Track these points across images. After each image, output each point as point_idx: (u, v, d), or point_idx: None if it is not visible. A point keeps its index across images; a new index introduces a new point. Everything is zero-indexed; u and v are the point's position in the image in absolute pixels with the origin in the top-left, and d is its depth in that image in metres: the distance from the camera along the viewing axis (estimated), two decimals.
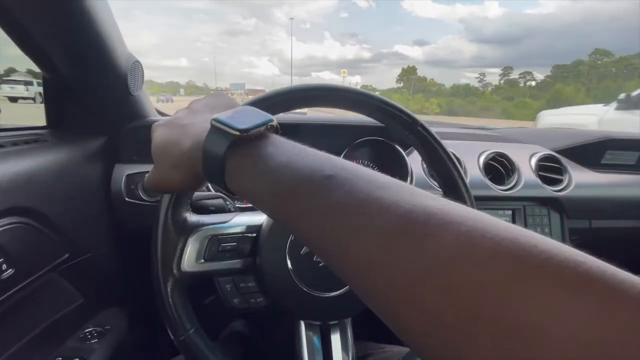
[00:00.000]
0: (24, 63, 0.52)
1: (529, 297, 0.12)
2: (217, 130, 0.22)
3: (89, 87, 0.55)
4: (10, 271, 0.41)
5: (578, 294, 0.12)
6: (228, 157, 0.22)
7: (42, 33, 0.46)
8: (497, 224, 0.15)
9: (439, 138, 0.42)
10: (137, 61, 0.59)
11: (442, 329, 0.14)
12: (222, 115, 0.23)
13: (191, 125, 0.26)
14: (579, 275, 0.12)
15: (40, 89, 0.58)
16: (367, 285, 0.17)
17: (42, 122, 0.59)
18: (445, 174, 0.42)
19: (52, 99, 0.57)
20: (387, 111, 0.41)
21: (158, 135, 0.28)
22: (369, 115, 0.42)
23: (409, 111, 0.41)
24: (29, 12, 0.44)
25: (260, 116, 0.24)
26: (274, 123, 0.24)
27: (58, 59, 0.49)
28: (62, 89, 0.56)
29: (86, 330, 0.60)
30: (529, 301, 0.12)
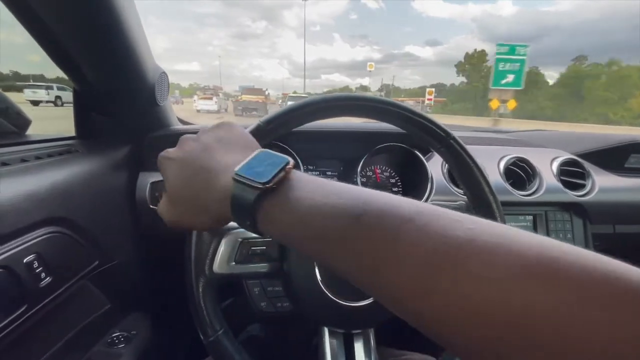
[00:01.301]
0: (44, 69, 0.53)
1: (558, 316, 0.13)
2: (241, 184, 0.23)
3: (118, 98, 0.57)
4: (48, 279, 0.42)
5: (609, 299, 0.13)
6: (257, 208, 0.23)
7: (75, 46, 0.48)
8: (525, 247, 0.15)
9: (471, 152, 0.41)
10: (164, 72, 0.60)
11: (483, 349, 0.15)
12: (242, 168, 0.24)
13: (214, 173, 0.26)
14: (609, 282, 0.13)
15: (59, 93, 0.60)
16: (411, 316, 0.18)
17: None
18: (476, 190, 0.42)
19: (81, 110, 0.59)
20: (420, 124, 0.41)
21: (173, 174, 0.28)
22: (401, 127, 0.42)
23: (441, 124, 0.41)
24: (62, 25, 0.45)
25: (277, 161, 0.24)
26: (291, 164, 0.24)
27: (89, 72, 0.51)
28: (92, 100, 0.58)
29: (113, 335, 0.61)
30: (568, 317, 0.13)
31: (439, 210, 0.19)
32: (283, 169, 0.24)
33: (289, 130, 0.40)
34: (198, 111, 16.86)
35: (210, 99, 18.75)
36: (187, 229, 0.30)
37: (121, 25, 0.47)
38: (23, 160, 0.45)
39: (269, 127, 0.38)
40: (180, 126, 0.74)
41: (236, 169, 0.24)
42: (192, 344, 0.40)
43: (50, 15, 0.43)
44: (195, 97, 20.77)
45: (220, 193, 0.25)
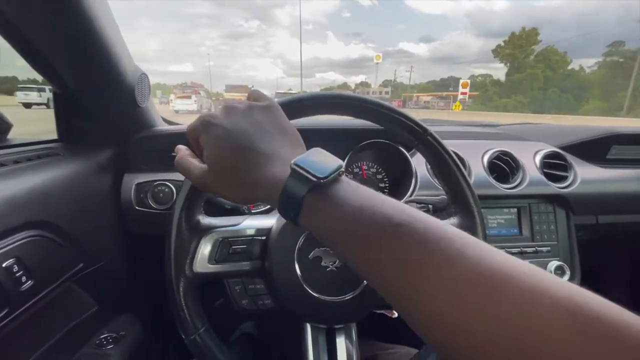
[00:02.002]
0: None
1: (584, 350, 0.14)
2: (297, 174, 0.24)
3: (98, 100, 0.57)
4: (29, 282, 0.42)
5: (628, 354, 0.13)
6: (305, 200, 0.24)
7: (51, 50, 0.48)
8: (555, 281, 0.17)
9: (448, 148, 0.42)
10: (144, 74, 0.60)
11: None
12: (301, 161, 0.25)
13: (271, 159, 0.26)
14: (631, 335, 0.14)
15: (51, 95, 0.59)
16: (436, 333, 0.18)
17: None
18: (454, 185, 0.43)
19: (62, 113, 0.59)
20: (398, 120, 0.41)
21: (218, 142, 0.27)
22: (379, 123, 0.42)
23: (419, 120, 0.41)
24: (38, 30, 0.45)
25: (333, 162, 0.25)
26: (344, 168, 0.26)
27: (67, 75, 0.51)
28: (73, 103, 0.57)
29: (102, 337, 0.62)
30: (584, 355, 0.14)
31: (476, 239, 0.20)
32: (337, 170, 0.25)
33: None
34: (176, 112, 14.80)
35: (189, 97, 16.78)
36: (219, 196, 0.30)
37: (95, 28, 0.47)
38: (1, 165, 0.45)
39: None
40: (165, 126, 0.73)
41: (296, 159, 0.25)
42: (182, 344, 0.40)
43: (23, 20, 0.43)
44: (172, 97, 18.44)
45: (274, 178, 0.25)
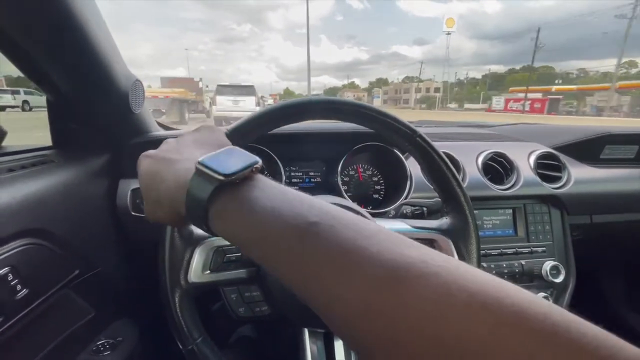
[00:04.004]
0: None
1: (503, 346, 0.14)
2: (202, 174, 0.22)
3: (92, 107, 0.57)
4: (24, 291, 0.42)
5: (545, 345, 0.13)
6: (212, 201, 0.22)
7: (43, 58, 0.48)
8: (473, 275, 0.16)
9: (437, 149, 0.42)
10: (138, 80, 0.60)
11: None
12: (207, 158, 0.23)
13: (176, 163, 0.25)
14: (546, 327, 0.14)
15: (26, 97, 0.59)
16: (353, 335, 0.18)
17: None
18: (445, 185, 0.43)
19: (56, 120, 0.59)
20: (386, 123, 0.41)
21: (144, 167, 0.27)
22: (368, 127, 0.43)
23: (407, 122, 0.41)
24: (30, 38, 0.45)
25: (245, 159, 0.23)
26: (259, 165, 0.24)
27: (60, 83, 0.51)
28: (66, 110, 0.57)
29: (99, 343, 0.62)
30: (504, 350, 0.14)
31: (395, 234, 0.19)
32: (249, 167, 0.23)
33: (259, 135, 0.40)
34: None
35: None
36: (153, 221, 0.28)
37: (87, 34, 0.47)
38: None
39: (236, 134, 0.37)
40: (161, 132, 0.74)
41: (200, 158, 0.23)
42: (180, 349, 0.40)
43: (13, 26, 0.43)
44: None
45: (176, 183, 0.24)
